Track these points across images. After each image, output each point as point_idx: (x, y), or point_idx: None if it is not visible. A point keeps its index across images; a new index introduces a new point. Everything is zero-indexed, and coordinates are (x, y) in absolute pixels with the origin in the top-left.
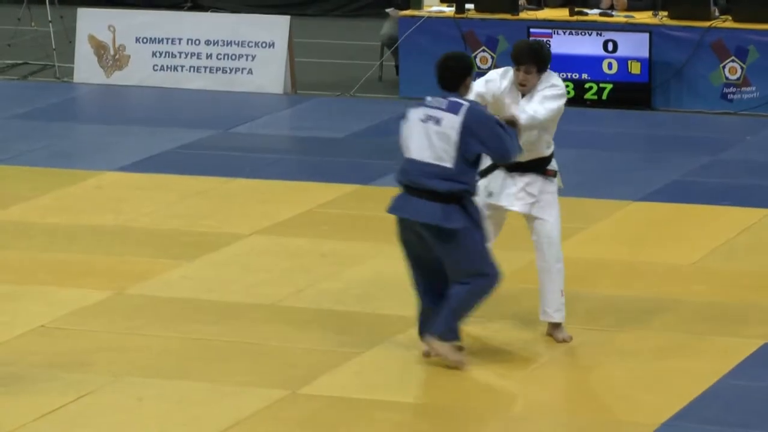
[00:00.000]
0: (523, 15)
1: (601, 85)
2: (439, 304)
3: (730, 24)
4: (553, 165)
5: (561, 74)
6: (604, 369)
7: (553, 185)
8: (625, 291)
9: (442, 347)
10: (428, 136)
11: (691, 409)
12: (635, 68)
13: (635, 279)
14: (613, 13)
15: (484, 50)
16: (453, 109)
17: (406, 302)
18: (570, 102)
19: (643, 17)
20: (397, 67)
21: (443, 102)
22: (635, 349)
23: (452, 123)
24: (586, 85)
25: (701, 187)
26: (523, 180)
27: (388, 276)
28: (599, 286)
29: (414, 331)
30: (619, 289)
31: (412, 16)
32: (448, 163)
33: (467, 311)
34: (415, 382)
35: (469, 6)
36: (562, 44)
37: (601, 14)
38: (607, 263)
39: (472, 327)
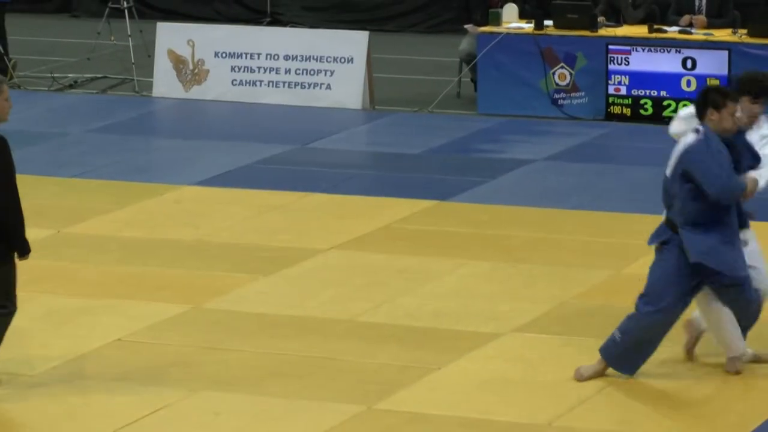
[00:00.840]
0: (602, 32)
1: (680, 102)
2: None
3: None
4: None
5: (640, 91)
6: (685, 386)
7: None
8: None
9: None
10: None
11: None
12: None
13: None
14: (693, 30)
15: (562, 67)
16: (690, 136)
17: (482, 318)
18: (649, 119)
19: (722, 35)
20: (475, 83)
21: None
22: (716, 367)
23: (686, 142)
24: (665, 103)
25: None
26: None
27: (464, 292)
28: None
29: (488, 347)
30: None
31: (491, 33)
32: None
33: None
34: (491, 399)
35: (548, 23)
36: (640, 61)
37: (680, 32)
38: None
39: (559, 347)
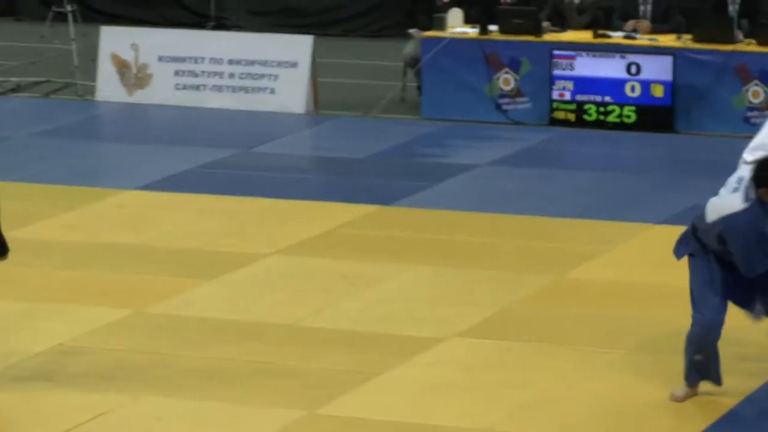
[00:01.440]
0: (547, 37)
1: (624, 107)
2: None
3: (754, 47)
4: None
5: (584, 96)
6: (625, 391)
7: None
8: (647, 313)
9: None
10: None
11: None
12: (658, 91)
13: (657, 302)
14: (637, 35)
15: (507, 72)
16: (738, 198)
17: (425, 323)
18: (593, 125)
19: (667, 40)
20: (419, 87)
21: (745, 185)
22: (656, 372)
23: (732, 205)
24: (609, 108)
25: None
26: None
27: (407, 297)
28: (621, 308)
29: (430, 352)
30: (641, 312)
31: (436, 37)
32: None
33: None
34: (434, 404)
35: (493, 27)
36: (585, 67)
37: (624, 37)
38: (629, 285)
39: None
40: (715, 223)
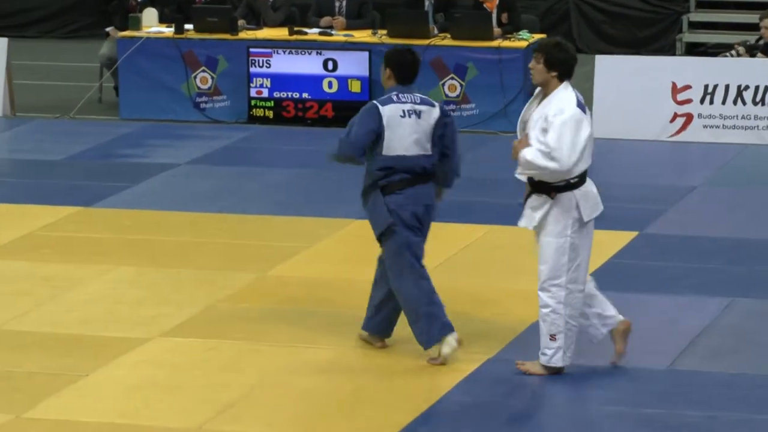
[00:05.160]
0: (243, 35)
1: (322, 103)
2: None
3: (448, 42)
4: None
5: (281, 93)
6: (331, 386)
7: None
8: (349, 309)
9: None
10: (414, 130)
11: (415, 424)
12: (355, 87)
13: (359, 296)
14: (333, 32)
15: (204, 70)
16: (427, 102)
17: (129, 324)
18: (291, 121)
19: (363, 36)
20: (116, 88)
21: (416, 97)
22: (361, 366)
23: (432, 114)
24: (307, 104)
25: None
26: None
27: (110, 298)
28: (323, 304)
29: (136, 352)
30: (342, 308)
31: (131, 37)
32: (430, 151)
33: None
34: (140, 404)
35: (188, 26)
36: (282, 64)
37: (320, 33)
38: (331, 281)
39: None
40: (436, 120)
